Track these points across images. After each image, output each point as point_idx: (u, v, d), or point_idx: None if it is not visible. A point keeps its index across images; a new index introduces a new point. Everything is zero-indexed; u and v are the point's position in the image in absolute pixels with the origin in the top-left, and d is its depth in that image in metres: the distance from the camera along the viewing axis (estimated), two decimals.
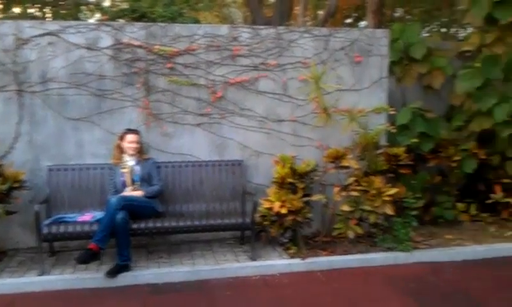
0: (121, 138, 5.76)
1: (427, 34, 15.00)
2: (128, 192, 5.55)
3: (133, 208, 5.26)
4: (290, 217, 5.52)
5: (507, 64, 6.85)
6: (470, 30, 10.42)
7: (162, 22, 8.20)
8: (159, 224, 5.37)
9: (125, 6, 11.38)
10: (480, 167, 7.21)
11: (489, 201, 7.06)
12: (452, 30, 15.05)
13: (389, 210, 5.75)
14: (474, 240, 6.44)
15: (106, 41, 5.96)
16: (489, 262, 5.92)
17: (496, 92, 6.79)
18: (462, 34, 13.78)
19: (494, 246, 6.22)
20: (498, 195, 6.99)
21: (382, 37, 6.62)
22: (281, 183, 5.78)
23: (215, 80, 6.21)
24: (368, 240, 6.18)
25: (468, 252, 6.07)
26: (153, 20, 9.16)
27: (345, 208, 5.77)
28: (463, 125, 7.22)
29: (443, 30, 15.34)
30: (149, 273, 5.26)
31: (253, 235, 5.66)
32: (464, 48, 7.67)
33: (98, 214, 5.35)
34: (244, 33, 6.26)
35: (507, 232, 6.72)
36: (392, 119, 6.72)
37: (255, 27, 6.44)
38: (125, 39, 5.98)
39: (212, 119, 6.26)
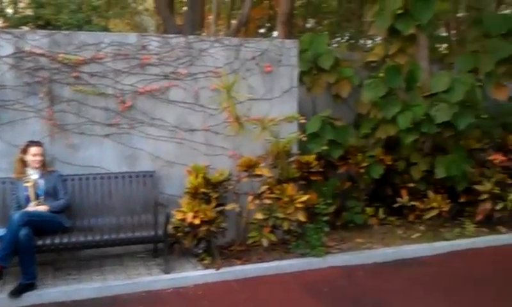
0: (24, 151, 5.53)
1: (335, 45, 15.63)
2: (32, 207, 5.34)
3: (37, 224, 5.07)
4: (203, 228, 5.55)
5: (409, 74, 7.32)
6: (377, 41, 10.99)
7: (68, 29, 7.98)
8: (66, 240, 5.21)
9: (28, 12, 10.93)
10: (387, 173, 7.63)
11: (396, 205, 7.48)
12: (361, 41, 15.78)
13: (301, 217, 5.94)
14: (383, 243, 6.79)
15: (6, 49, 5.72)
16: (398, 264, 6.27)
17: (399, 101, 7.23)
18: (369, 45, 14.51)
19: (402, 248, 6.60)
20: (404, 199, 7.42)
21: (291, 47, 6.85)
22: (194, 194, 5.80)
23: (123, 90, 6.13)
24: (282, 247, 6.33)
25: (378, 255, 6.39)
26: (59, 28, 8.88)
27: (259, 216, 5.88)
28: (370, 132, 7.60)
29: (352, 41, 16.06)
30: (56, 291, 5.08)
31: (166, 247, 5.63)
32: (369, 58, 8.11)
33: (0, 231, 5.10)
34: (154, 42, 6.25)
35: (413, 234, 7.14)
36: (303, 128, 6.95)
37: (164, 35, 6.45)
38: (27, 48, 5.77)
39: (121, 129, 6.17)
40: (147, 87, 6.21)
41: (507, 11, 21.89)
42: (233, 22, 14.29)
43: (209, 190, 5.86)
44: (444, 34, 13.62)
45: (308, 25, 17.17)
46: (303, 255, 6.14)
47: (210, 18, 13.51)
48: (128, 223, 5.91)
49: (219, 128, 6.53)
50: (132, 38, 6.21)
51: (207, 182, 5.89)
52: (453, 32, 13.31)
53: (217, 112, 6.48)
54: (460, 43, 10.17)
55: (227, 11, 16.08)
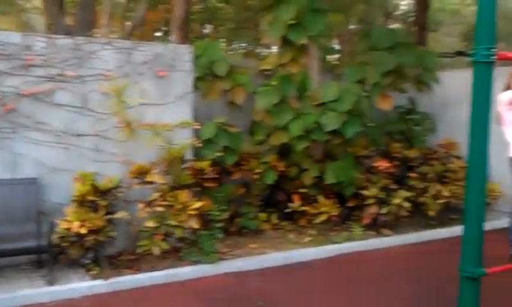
0: None
1: (232, 52, 15.85)
2: None
3: None
4: (91, 237, 5.39)
5: (301, 83, 7.59)
6: (274, 49, 11.27)
7: None
8: None
9: None
10: (281, 179, 7.84)
11: (288, 210, 7.70)
12: (258, 49, 16.13)
13: (195, 224, 5.95)
14: (276, 247, 6.96)
15: None
16: (289, 268, 6.47)
17: (291, 109, 7.47)
18: (265, 53, 14.87)
19: (293, 252, 6.81)
20: (295, 204, 7.67)
21: (185, 53, 6.85)
22: (81, 202, 5.62)
23: (5, 92, 5.80)
24: (175, 255, 6.29)
25: (270, 259, 6.56)
26: None
27: (150, 224, 5.81)
28: (264, 139, 7.79)
29: (250, 48, 16.36)
30: None
31: (50, 258, 5.39)
32: (263, 66, 8.30)
33: None
34: (39, 42, 5.97)
35: (304, 238, 7.39)
36: (197, 134, 6.96)
37: (50, 36, 6.20)
38: None
39: (2, 133, 5.82)
40: (31, 90, 5.92)
41: (394, 26, 23.42)
42: (128, 24, 14.02)
43: (97, 198, 5.69)
44: (337, 45, 14.33)
45: (206, 31, 17.25)
46: (195, 262, 6.15)
47: (104, 19, 13.13)
48: (9, 233, 5.58)
49: (109, 133, 6.36)
50: (16, 37, 5.89)
51: (95, 190, 5.73)
52: (345, 43, 14.04)
53: (108, 116, 6.32)
54: (350, 55, 10.72)
55: (121, 13, 15.72)
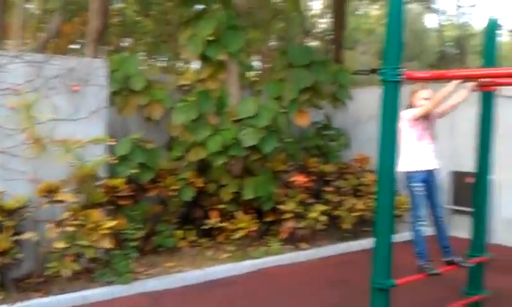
0: None
1: (150, 67, 15.68)
2: None
3: None
4: None
5: (219, 98, 7.63)
6: (195, 65, 11.25)
7: None
8: None
9: None
10: (199, 195, 7.82)
11: (206, 227, 7.68)
12: (178, 63, 16.05)
13: (108, 243, 5.80)
14: (193, 265, 6.92)
15: None
16: (207, 285, 6.45)
17: (209, 125, 7.48)
18: (185, 68, 14.82)
19: (211, 269, 6.81)
20: (213, 220, 7.65)
21: (100, 67, 6.71)
22: None
23: None
24: (87, 276, 6.09)
25: (188, 277, 6.51)
26: None
27: (60, 244, 5.59)
28: (181, 155, 7.74)
29: (169, 63, 16.25)
30: None
31: None
32: (182, 82, 8.27)
33: None
34: None
35: (223, 255, 7.39)
36: (112, 150, 6.80)
37: None
38: None
39: None
40: None
41: (313, 43, 24.08)
42: (42, 35, 13.53)
43: (3, 218, 5.42)
44: (256, 61, 14.53)
45: (125, 44, 16.96)
46: (108, 283, 5.97)
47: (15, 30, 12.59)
48: None
49: (17, 150, 6.07)
50: None
51: (1, 210, 5.45)
52: (265, 60, 14.27)
53: (16, 132, 6.04)
54: (269, 71, 10.90)
55: (35, 24, 15.15)
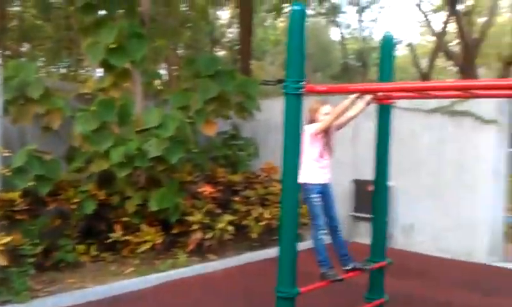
0: None
1: (49, 73, 15.09)
2: None
3: None
4: None
5: (122, 108, 7.48)
6: (98, 73, 10.96)
7: None
8: None
9: None
10: (102, 207, 7.61)
11: (110, 240, 7.48)
12: (82, 71, 15.56)
13: (2, 261, 5.50)
14: (96, 280, 6.73)
15: None
16: (111, 301, 6.28)
17: (112, 135, 7.32)
18: (87, 75, 14.41)
19: (115, 284, 6.65)
20: (117, 233, 7.48)
21: None
22: None
23: None
24: None
25: (89, 294, 6.31)
26: None
27: None
28: (83, 166, 7.50)
29: (72, 70, 15.70)
30: None
31: None
32: (83, 90, 8.03)
33: None
34: None
35: (127, 269, 7.24)
36: (7, 162, 6.46)
37: None
38: None
39: None
40: None
41: (221, 53, 24.29)
42: None
43: None
44: (164, 70, 14.41)
45: (23, 50, 16.20)
46: (4, 303, 5.66)
47: None
48: None
49: None
50: None
51: None
52: (172, 69, 14.18)
53: None
54: (175, 80, 10.86)
55: None
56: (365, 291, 5.31)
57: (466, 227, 8.62)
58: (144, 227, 7.59)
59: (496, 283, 7.49)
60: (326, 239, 4.89)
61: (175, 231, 8.02)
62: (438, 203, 8.92)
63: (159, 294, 6.58)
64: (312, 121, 4.93)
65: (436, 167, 8.99)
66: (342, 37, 27.41)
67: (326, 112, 4.88)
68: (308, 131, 4.81)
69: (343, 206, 9.40)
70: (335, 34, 30.85)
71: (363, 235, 9.19)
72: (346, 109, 4.73)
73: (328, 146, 4.93)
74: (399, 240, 9.38)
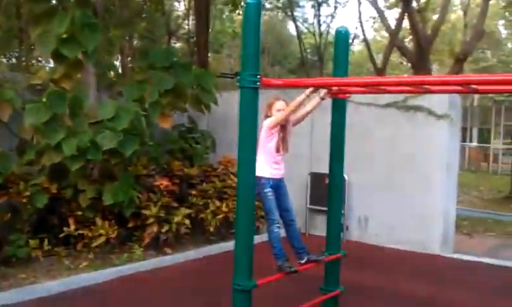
0: None
1: None
2: None
3: None
4: None
5: (75, 99, 7.32)
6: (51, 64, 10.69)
7: None
8: None
9: None
10: (55, 201, 7.47)
11: (63, 235, 7.35)
12: (33, 61, 15.14)
13: None
14: (49, 275, 6.62)
15: None
16: (65, 296, 6.18)
17: (64, 127, 7.17)
18: (39, 66, 14.05)
19: (69, 279, 6.55)
20: (71, 228, 7.35)
21: None
22: None
23: None
24: None
25: (43, 289, 6.19)
26: None
27: None
28: (34, 159, 7.32)
29: (23, 61, 15.25)
30: None
31: None
32: (34, 81, 7.83)
33: None
34: None
35: (82, 263, 7.13)
36: None
37: None
38: None
39: None
40: None
41: (178, 45, 24.09)
42: None
43: None
44: (118, 61, 14.17)
45: None
46: None
47: None
48: None
49: None
50: None
51: None
52: (126, 60, 13.95)
53: None
54: (130, 72, 10.70)
55: None
56: (321, 283, 5.39)
57: (420, 219, 8.86)
58: (98, 221, 7.48)
59: (448, 273, 7.74)
60: (281, 232, 4.93)
61: (130, 225, 7.95)
62: (392, 196, 9.13)
63: (114, 289, 6.51)
64: (267, 116, 4.97)
65: (391, 161, 9.20)
66: (299, 31, 27.60)
67: (278, 108, 4.91)
68: (264, 125, 4.86)
69: (300, 199, 9.52)
70: (292, 28, 31.07)
71: (319, 228, 9.33)
72: (300, 104, 4.78)
73: (284, 140, 4.97)
74: (355, 232, 9.55)
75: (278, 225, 4.91)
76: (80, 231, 7.38)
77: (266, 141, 4.86)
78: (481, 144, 31.61)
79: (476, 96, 30.61)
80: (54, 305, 5.87)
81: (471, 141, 32.18)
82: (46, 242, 7.29)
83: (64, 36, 7.34)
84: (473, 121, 32.38)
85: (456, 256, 8.66)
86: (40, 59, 13.60)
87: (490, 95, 31.25)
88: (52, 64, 9.34)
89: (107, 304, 5.96)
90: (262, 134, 4.82)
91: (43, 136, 7.10)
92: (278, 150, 4.92)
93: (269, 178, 4.90)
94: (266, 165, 4.88)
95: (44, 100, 7.11)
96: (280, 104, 4.94)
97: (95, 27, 7.58)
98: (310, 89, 4.74)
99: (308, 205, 9.89)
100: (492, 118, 29.40)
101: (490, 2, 18.21)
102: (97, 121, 7.39)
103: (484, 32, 18.47)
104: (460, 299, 6.53)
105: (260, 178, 4.82)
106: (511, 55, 34.73)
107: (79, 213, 7.56)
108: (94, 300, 6.06)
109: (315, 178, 9.73)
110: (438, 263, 8.30)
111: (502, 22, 34.68)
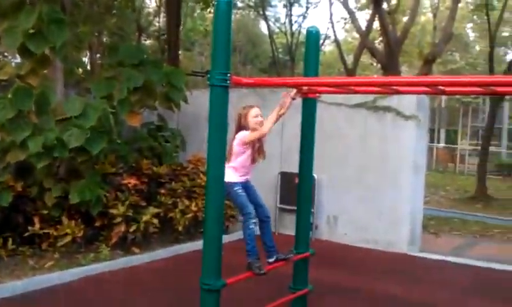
0: None
1: None
2: None
3: None
4: None
5: (41, 96, 7.21)
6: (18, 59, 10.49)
7: None
8: None
9: None
10: (19, 199, 7.32)
11: (28, 234, 7.22)
12: (0, 57, 14.82)
13: None
14: (13, 275, 6.51)
15: None
16: (29, 296, 6.08)
17: (30, 124, 7.05)
18: (3, 61, 13.75)
19: (34, 279, 6.45)
20: (36, 227, 7.24)
21: None
22: None
23: None
24: None
25: (6, 289, 6.08)
26: None
27: None
28: None
29: None
30: None
31: None
32: None
33: None
34: None
35: (47, 263, 7.01)
36: None
37: None
38: None
39: None
40: None
41: (148, 42, 23.91)
42: None
43: None
44: (87, 58, 13.98)
45: None
46: None
47: None
48: None
49: None
50: None
51: None
52: (95, 57, 13.79)
53: None
54: (98, 69, 10.58)
55: None
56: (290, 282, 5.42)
57: (388, 218, 9.00)
58: (64, 220, 7.37)
59: (415, 272, 7.87)
60: (256, 230, 4.89)
61: (97, 224, 7.85)
62: (361, 195, 9.24)
63: (80, 289, 6.44)
64: (242, 125, 4.87)
65: (360, 161, 9.31)
66: (271, 31, 27.69)
67: (255, 115, 4.83)
68: (240, 137, 4.78)
69: (270, 199, 9.54)
70: (264, 27, 31.16)
71: (288, 227, 9.37)
72: (280, 117, 4.76)
73: (260, 150, 4.94)
74: (324, 231, 9.64)
75: (254, 221, 4.80)
76: (46, 230, 7.26)
77: (240, 153, 4.80)
78: (448, 145, 32.28)
79: (444, 97, 31.23)
80: (18, 306, 5.77)
81: (438, 141, 32.85)
82: (10, 241, 7.16)
83: (31, 31, 7.22)
84: (441, 122, 33.04)
85: (422, 255, 8.81)
86: (5, 54, 13.31)
87: (457, 97, 31.93)
88: (18, 60, 9.16)
89: (72, 305, 5.89)
90: (236, 146, 4.75)
91: (8, 133, 6.97)
92: (253, 161, 4.89)
93: (236, 182, 4.87)
94: (236, 173, 4.85)
95: (9, 96, 6.99)
96: (255, 111, 4.83)
97: (63, 22, 7.47)
98: (294, 91, 4.75)
99: (278, 204, 9.93)
100: (459, 119, 30.03)
101: (459, 5, 18.55)
102: (64, 118, 7.29)
103: (452, 34, 18.80)
104: (431, 298, 6.65)
105: (230, 182, 4.78)
106: (479, 58, 35.45)
107: (45, 211, 7.45)
108: (59, 301, 5.99)
109: (285, 177, 9.77)
110: (406, 262, 8.43)
111: (470, 25, 35.36)
